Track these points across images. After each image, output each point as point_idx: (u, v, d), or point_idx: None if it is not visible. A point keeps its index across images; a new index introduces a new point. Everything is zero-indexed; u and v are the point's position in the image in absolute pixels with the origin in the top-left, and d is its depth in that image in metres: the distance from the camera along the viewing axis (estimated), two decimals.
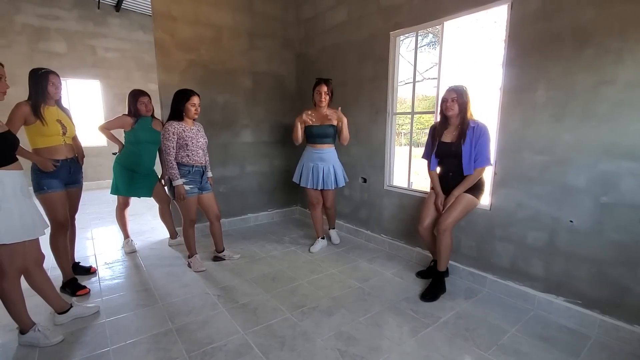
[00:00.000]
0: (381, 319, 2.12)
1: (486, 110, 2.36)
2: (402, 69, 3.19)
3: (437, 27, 2.69)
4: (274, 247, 3.34)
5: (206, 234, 3.43)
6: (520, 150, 2.21)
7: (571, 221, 2.02)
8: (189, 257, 2.87)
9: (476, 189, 2.33)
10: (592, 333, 1.97)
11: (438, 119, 2.48)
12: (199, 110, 2.65)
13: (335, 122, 2.94)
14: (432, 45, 8.24)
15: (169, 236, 3.43)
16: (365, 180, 3.41)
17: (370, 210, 3.41)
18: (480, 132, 2.22)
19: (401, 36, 3.01)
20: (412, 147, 3.22)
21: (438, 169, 2.48)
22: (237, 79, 3.77)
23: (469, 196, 2.30)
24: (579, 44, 1.89)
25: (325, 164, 3.02)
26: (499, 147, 2.31)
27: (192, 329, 2.00)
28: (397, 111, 3.18)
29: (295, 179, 3.17)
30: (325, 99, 2.89)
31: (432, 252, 2.58)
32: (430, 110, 2.91)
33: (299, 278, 2.66)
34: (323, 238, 3.31)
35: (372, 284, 2.58)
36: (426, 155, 2.52)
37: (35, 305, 2.06)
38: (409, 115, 3.15)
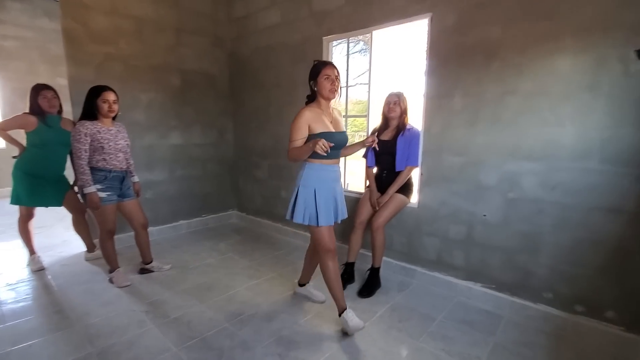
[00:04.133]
0: (321, 319, 2.15)
1: (413, 114, 2.56)
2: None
3: (367, 35, 2.82)
4: (209, 255, 3.18)
5: (130, 244, 3.13)
6: (442, 152, 2.41)
7: (485, 215, 2.26)
8: (110, 271, 2.59)
9: (406, 189, 2.51)
10: (504, 313, 2.23)
11: (377, 122, 2.64)
12: (114, 107, 2.40)
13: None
14: (364, 52, 8.64)
15: (85, 249, 3.06)
16: None
17: None
18: (414, 134, 2.45)
19: (334, 42, 3.09)
20: None
21: (375, 168, 2.62)
22: (163, 76, 3.51)
23: (400, 196, 2.47)
24: (488, 58, 2.13)
25: (339, 185, 2.10)
26: (424, 150, 2.50)
27: (117, 351, 1.80)
28: None
29: (300, 219, 1.93)
30: (339, 87, 1.93)
31: (355, 250, 2.60)
32: (363, 114, 3.03)
33: (236, 285, 2.57)
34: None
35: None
36: (366, 154, 2.64)
37: None
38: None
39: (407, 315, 2.21)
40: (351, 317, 1.94)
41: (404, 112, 2.47)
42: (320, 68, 1.89)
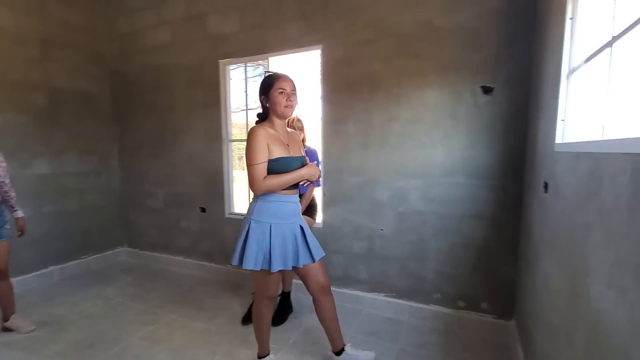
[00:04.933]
0: (231, 357, 2.00)
1: (313, 138, 2.67)
2: (239, 96, 3.24)
3: (264, 60, 2.87)
4: (93, 304, 2.70)
5: None
6: (341, 173, 2.57)
7: (382, 229, 2.47)
8: None
9: (311, 210, 2.57)
10: (404, 318, 2.43)
11: None
12: None
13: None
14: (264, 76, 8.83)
15: None
16: (204, 210, 3.22)
17: (212, 241, 3.23)
18: (312, 154, 2.51)
19: (231, 65, 3.06)
20: None
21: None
22: (23, 94, 2.94)
23: (306, 217, 2.50)
24: (373, 89, 2.38)
25: (301, 220, 1.76)
26: (325, 171, 2.62)
27: None
28: (234, 138, 3.18)
29: (251, 264, 1.58)
30: (295, 103, 1.68)
31: None
32: None
33: (127, 336, 2.22)
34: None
35: (219, 321, 2.42)
36: None
37: None
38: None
39: (320, 336, 2.21)
40: None
41: (304, 137, 2.55)
42: (272, 81, 1.62)
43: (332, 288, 2.67)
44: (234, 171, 3.25)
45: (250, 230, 1.61)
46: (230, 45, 2.90)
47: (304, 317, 2.46)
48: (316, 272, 1.76)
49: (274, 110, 1.64)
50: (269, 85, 1.63)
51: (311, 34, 2.55)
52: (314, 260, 1.71)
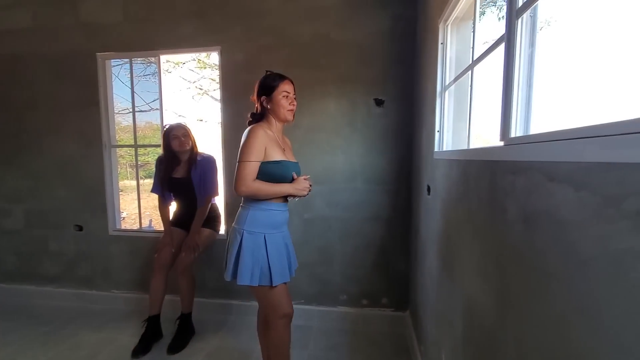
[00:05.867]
0: None
1: (213, 142, 2.51)
2: (129, 96, 2.85)
3: (155, 57, 2.59)
4: None
5: None
6: None
7: None
8: None
9: (213, 222, 2.38)
10: (314, 324, 2.45)
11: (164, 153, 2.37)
12: None
13: None
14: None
15: None
16: (80, 228, 2.73)
17: (93, 264, 2.76)
18: (207, 163, 2.30)
19: (117, 60, 2.68)
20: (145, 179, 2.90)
21: (176, 205, 2.37)
22: None
23: (207, 231, 2.32)
24: None
25: (287, 227, 1.69)
26: (227, 179, 2.49)
27: None
28: (120, 143, 2.78)
29: (247, 279, 1.46)
30: (296, 105, 1.63)
31: (158, 299, 2.23)
32: (158, 143, 2.74)
33: None
34: None
35: (102, 359, 2.06)
36: (156, 190, 2.33)
37: None
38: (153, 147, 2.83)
39: (226, 356, 2.08)
40: None
41: (194, 144, 2.35)
42: (277, 83, 1.55)
43: (240, 302, 2.56)
44: (123, 181, 2.84)
45: (243, 241, 1.49)
46: (112, 37, 2.54)
47: (208, 338, 2.28)
48: None
49: (277, 113, 1.57)
50: (273, 86, 1.55)
51: (208, 34, 2.40)
52: (292, 274, 1.65)
